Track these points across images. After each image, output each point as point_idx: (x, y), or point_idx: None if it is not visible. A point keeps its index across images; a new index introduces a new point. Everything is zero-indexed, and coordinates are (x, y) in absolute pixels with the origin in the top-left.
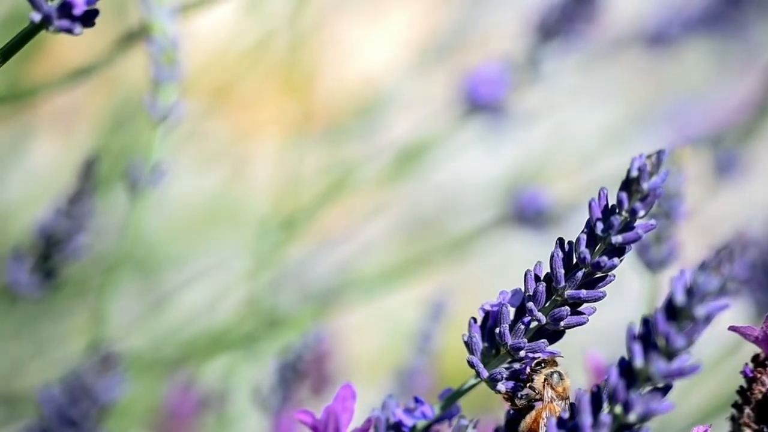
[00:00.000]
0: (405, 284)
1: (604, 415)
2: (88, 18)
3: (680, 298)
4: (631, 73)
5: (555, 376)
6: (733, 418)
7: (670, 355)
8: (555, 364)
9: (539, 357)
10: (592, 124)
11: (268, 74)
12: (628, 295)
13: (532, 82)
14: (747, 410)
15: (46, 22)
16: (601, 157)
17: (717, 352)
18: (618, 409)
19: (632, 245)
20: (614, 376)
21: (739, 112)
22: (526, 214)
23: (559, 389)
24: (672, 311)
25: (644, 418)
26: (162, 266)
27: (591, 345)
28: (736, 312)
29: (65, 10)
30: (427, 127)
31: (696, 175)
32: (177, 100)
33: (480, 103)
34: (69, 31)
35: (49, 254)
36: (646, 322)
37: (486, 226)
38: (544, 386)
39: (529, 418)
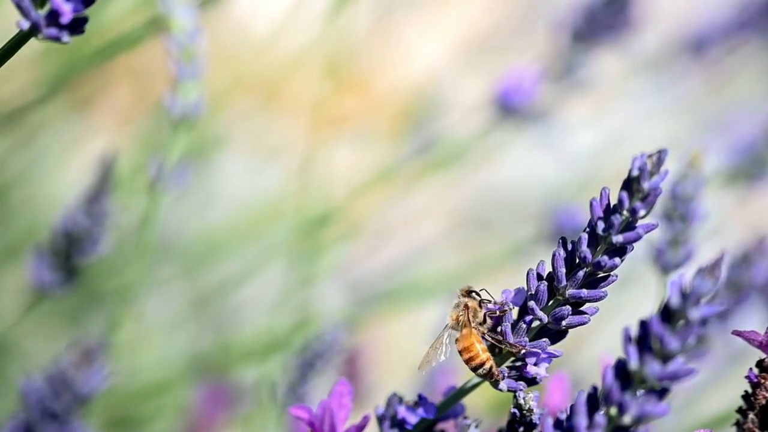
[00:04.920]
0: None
1: (599, 416)
2: (76, 26)
3: (675, 301)
4: (686, 81)
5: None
6: (737, 423)
7: (665, 357)
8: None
9: (542, 355)
10: (646, 131)
11: (324, 73)
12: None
13: (581, 85)
14: (751, 415)
15: (34, 30)
16: None
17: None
18: (613, 410)
19: (647, 248)
20: (609, 377)
21: None
22: (565, 232)
23: (453, 316)
24: (667, 314)
25: (639, 420)
26: (216, 264)
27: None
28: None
29: (53, 18)
30: (479, 127)
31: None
32: (197, 98)
33: (513, 107)
34: (57, 39)
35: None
36: (643, 324)
37: (525, 242)
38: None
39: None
